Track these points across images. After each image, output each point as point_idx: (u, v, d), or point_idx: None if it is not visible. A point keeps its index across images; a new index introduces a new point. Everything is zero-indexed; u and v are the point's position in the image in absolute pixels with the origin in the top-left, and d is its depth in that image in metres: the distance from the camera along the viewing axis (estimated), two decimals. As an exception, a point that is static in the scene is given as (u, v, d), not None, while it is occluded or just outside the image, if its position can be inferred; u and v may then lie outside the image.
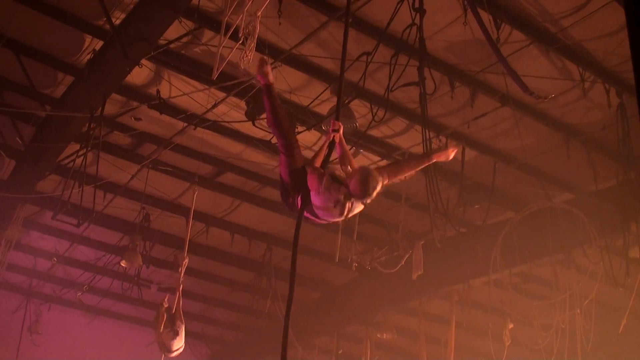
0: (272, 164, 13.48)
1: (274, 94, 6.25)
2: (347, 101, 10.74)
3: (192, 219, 13.49)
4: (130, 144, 13.27)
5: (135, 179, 13.63)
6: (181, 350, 12.24)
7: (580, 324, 13.36)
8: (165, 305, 12.07)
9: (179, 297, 12.34)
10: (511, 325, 14.68)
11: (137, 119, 12.30)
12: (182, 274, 12.49)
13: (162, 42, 10.29)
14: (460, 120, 11.71)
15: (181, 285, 12.42)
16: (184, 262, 12.56)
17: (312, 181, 6.10)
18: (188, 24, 10.09)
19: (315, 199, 6.12)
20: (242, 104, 11.48)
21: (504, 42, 9.68)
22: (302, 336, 17.85)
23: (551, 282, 14.27)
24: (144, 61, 10.50)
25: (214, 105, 11.43)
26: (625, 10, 3.02)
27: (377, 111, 10.46)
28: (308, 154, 12.73)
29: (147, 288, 17.12)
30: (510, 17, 9.56)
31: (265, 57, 6.26)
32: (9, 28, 10.63)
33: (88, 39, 10.83)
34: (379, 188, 6.05)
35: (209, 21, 10.08)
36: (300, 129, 11.64)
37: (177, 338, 12.11)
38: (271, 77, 6.25)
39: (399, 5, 9.24)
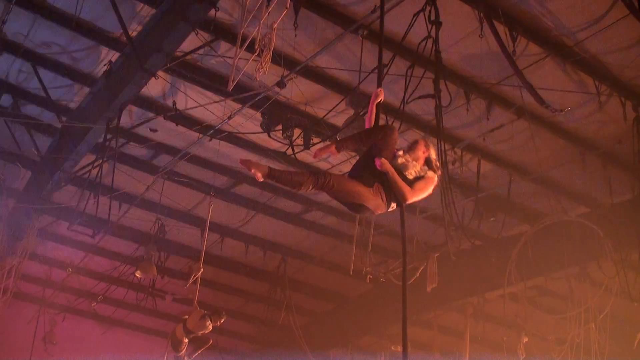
0: (287, 176, 13.47)
1: (278, 176, 6.13)
2: (362, 113, 10.74)
3: (207, 229, 13.52)
4: (146, 155, 13.32)
5: (151, 189, 13.66)
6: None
7: (595, 339, 13.28)
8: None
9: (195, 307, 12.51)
10: (526, 339, 14.61)
11: (153, 130, 12.33)
12: (194, 282, 12.61)
13: (178, 53, 10.32)
14: (476, 132, 11.70)
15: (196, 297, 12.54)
16: (198, 273, 12.63)
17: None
18: (204, 36, 10.12)
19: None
20: (258, 115, 11.50)
21: (520, 55, 9.66)
22: (316, 347, 17.82)
23: (566, 296, 14.20)
24: (160, 73, 10.52)
25: (230, 117, 11.44)
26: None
27: (392, 122, 10.45)
28: (324, 165, 12.82)
29: (162, 299, 17.14)
30: (526, 30, 9.56)
31: (248, 160, 6.18)
32: (26, 39, 10.70)
33: (105, 50, 10.88)
34: None
35: (225, 33, 10.12)
36: (315, 140, 11.65)
37: (204, 325, 12.27)
38: (264, 169, 6.08)
39: (415, 18, 9.26)
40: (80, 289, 17.72)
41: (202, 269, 12.71)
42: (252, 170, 6.00)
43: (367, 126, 6.70)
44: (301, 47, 10.28)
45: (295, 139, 11.61)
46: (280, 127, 11.46)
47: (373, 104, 6.67)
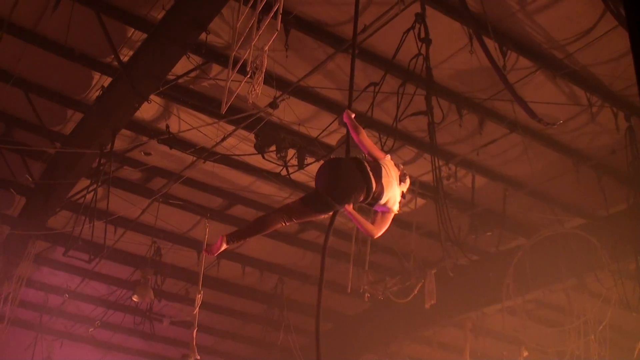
0: (282, 195, 13.48)
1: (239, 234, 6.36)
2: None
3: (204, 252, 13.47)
4: (140, 178, 13.31)
5: (146, 213, 13.65)
6: None
7: (595, 350, 13.25)
8: None
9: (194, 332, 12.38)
10: (526, 353, 14.59)
11: (147, 154, 12.35)
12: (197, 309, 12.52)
13: (170, 77, 10.35)
14: (469, 147, 11.72)
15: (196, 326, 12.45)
16: (199, 297, 12.55)
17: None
18: (196, 59, 10.15)
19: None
20: (251, 136, 11.52)
21: (510, 69, 9.70)
22: (316, 367, 17.73)
23: (565, 308, 14.19)
24: (152, 96, 10.54)
25: (223, 139, 11.47)
26: (629, 34, 3.02)
27: (386, 140, 10.49)
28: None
29: (159, 322, 17.07)
30: (516, 44, 9.60)
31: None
32: (17, 67, 10.71)
33: (96, 75, 10.91)
34: None
35: (216, 56, 10.14)
36: (309, 160, 11.66)
37: None
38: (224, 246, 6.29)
39: (405, 36, 9.30)
40: (77, 314, 17.64)
41: (201, 292, 12.64)
42: (216, 251, 6.19)
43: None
44: (292, 68, 10.31)
45: (290, 160, 11.62)
46: (274, 147, 11.48)
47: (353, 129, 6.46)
